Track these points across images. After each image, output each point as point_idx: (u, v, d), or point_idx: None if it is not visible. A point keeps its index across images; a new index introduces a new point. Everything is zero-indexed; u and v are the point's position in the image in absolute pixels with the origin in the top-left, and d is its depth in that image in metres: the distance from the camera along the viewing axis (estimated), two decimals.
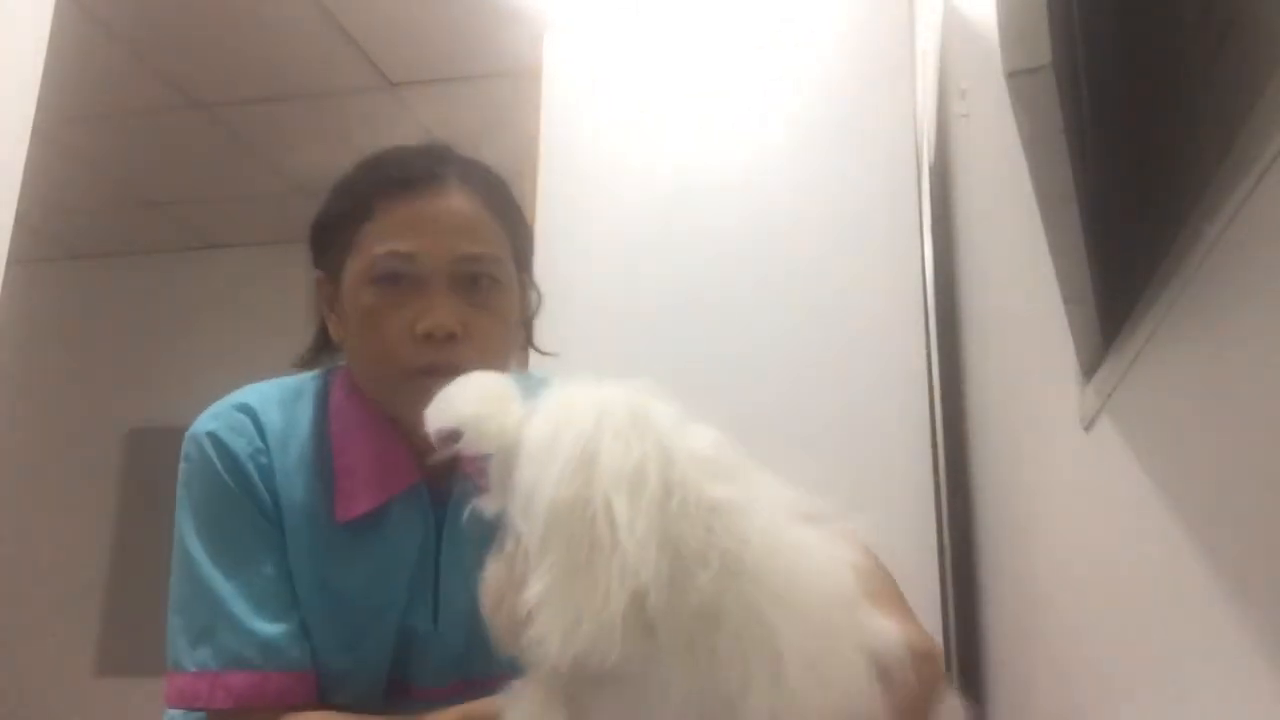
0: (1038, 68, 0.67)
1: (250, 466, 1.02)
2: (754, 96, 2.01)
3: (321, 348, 1.13)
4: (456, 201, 1.05)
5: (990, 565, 1.61)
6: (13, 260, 1.63)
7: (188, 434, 1.05)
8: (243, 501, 1.01)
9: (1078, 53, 0.78)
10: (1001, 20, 0.70)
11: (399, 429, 1.05)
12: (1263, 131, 0.54)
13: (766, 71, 2.02)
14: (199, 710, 0.96)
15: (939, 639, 1.68)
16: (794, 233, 1.91)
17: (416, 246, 1.02)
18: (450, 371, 0.97)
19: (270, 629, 0.97)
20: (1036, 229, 0.86)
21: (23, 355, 3.26)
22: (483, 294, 1.04)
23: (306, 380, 1.11)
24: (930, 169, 1.97)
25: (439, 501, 1.05)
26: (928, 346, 1.83)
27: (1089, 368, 0.91)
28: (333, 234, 1.09)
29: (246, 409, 1.06)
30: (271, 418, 1.05)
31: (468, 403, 0.77)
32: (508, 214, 1.10)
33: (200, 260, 4.51)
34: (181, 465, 1.05)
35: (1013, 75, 0.69)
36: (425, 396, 0.98)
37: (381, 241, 1.03)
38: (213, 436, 1.03)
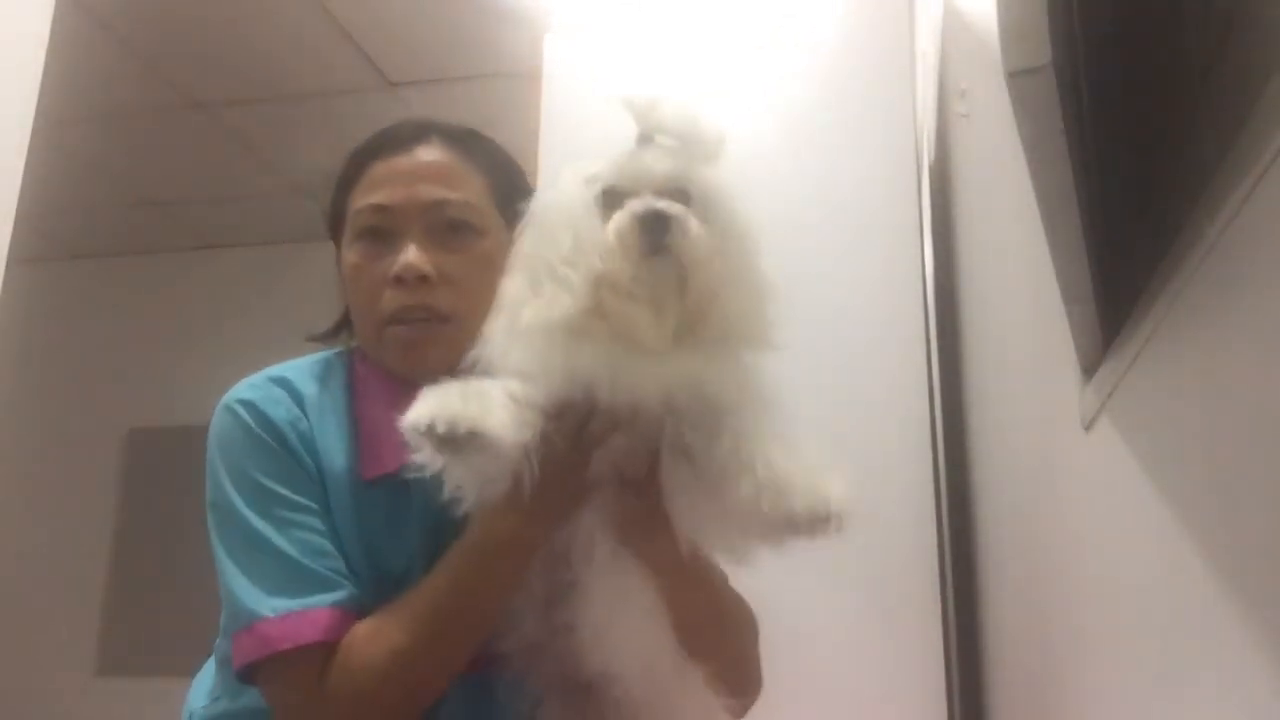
0: (1038, 68, 0.67)
1: (290, 433, 1.03)
2: (754, 96, 2.01)
3: (344, 324, 1.15)
4: (429, 154, 1.08)
5: (990, 565, 1.61)
6: (13, 260, 1.63)
7: (221, 405, 1.05)
8: (287, 461, 1.01)
9: (1078, 53, 0.78)
10: (1001, 20, 0.70)
11: (418, 390, 1.05)
12: (1263, 131, 0.54)
13: (766, 72, 2.02)
14: (289, 650, 0.94)
15: (938, 638, 1.68)
16: (794, 233, 1.91)
17: (389, 198, 1.05)
18: (423, 313, 1.03)
19: (331, 572, 0.98)
20: (1036, 229, 0.86)
21: (23, 355, 3.25)
22: (460, 239, 1.06)
23: (334, 355, 1.13)
24: (930, 169, 1.97)
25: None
26: (928, 346, 1.83)
27: (1089, 368, 0.91)
28: (333, 209, 1.13)
29: (282, 381, 1.07)
30: (308, 388, 1.07)
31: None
32: (491, 166, 1.11)
33: (200, 260, 4.50)
34: (214, 436, 1.05)
35: (1013, 75, 0.69)
36: (403, 341, 1.04)
37: (361, 198, 1.07)
38: (248, 404, 1.04)
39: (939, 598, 1.70)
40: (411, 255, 1.03)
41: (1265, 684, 0.57)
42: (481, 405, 0.85)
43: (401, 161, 1.07)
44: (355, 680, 0.94)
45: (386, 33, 3.14)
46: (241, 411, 1.04)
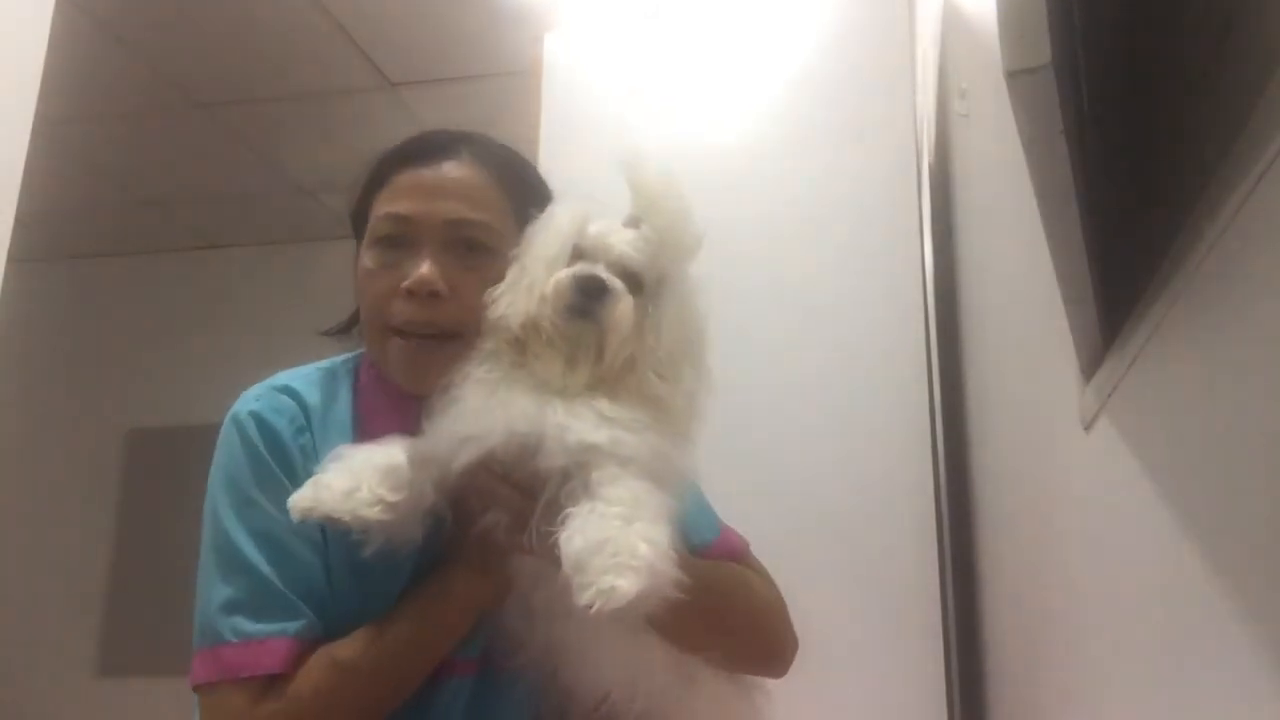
0: (1038, 68, 0.67)
1: (293, 446, 1.03)
2: (754, 96, 2.01)
3: (355, 321, 1.15)
4: (459, 170, 1.08)
5: (990, 565, 1.61)
6: (13, 260, 1.63)
7: (229, 414, 1.05)
8: (283, 481, 1.01)
9: (1078, 53, 0.78)
10: (1001, 20, 0.70)
11: (419, 404, 1.06)
12: (1263, 131, 0.54)
13: (766, 72, 2.02)
14: (238, 679, 0.96)
15: (939, 638, 1.68)
16: (794, 233, 1.91)
17: (410, 209, 1.05)
18: (430, 328, 1.04)
19: (301, 597, 0.99)
20: (1036, 229, 0.86)
21: (23, 355, 3.25)
22: (477, 258, 1.06)
23: (339, 363, 1.13)
24: (930, 169, 1.97)
25: None
26: (928, 346, 1.83)
27: (1089, 368, 0.91)
28: (357, 210, 1.13)
29: (289, 390, 1.06)
30: (313, 398, 1.07)
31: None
32: (518, 189, 1.11)
33: (200, 260, 4.50)
34: (219, 446, 1.05)
35: (1013, 75, 0.69)
36: (407, 354, 1.05)
37: (384, 205, 1.07)
38: (256, 416, 1.04)
39: (939, 597, 1.70)
40: (425, 269, 1.03)
41: (1265, 684, 0.57)
42: (343, 489, 0.93)
43: (428, 174, 1.07)
44: (287, 710, 0.95)
45: (386, 33, 3.14)
46: (249, 425, 1.03)
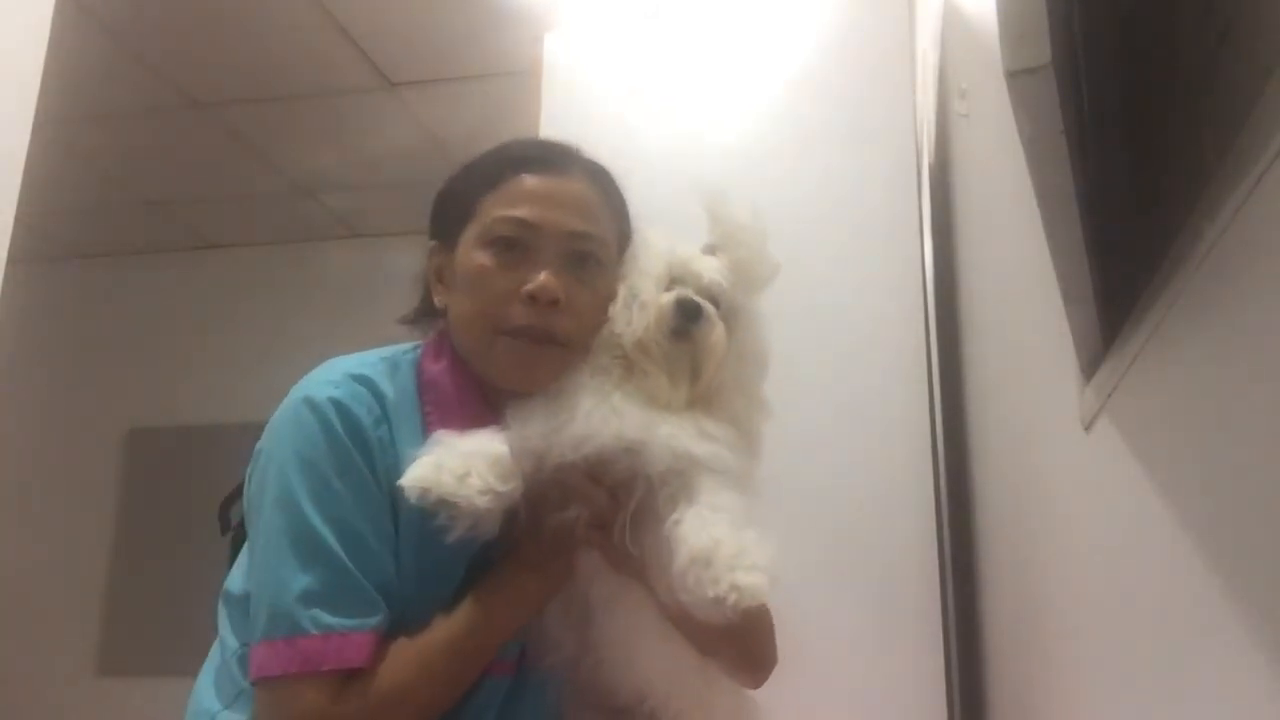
0: (1038, 68, 0.67)
1: (372, 436, 1.03)
2: (754, 96, 2.01)
3: (425, 313, 1.17)
4: (579, 185, 1.12)
5: (990, 565, 1.61)
6: (13, 260, 1.63)
7: (302, 398, 1.04)
8: (362, 470, 1.01)
9: (1078, 53, 0.78)
10: (1001, 20, 0.70)
11: (489, 400, 1.08)
12: (1263, 131, 0.54)
13: (766, 72, 2.02)
14: (321, 671, 0.95)
15: (938, 638, 1.68)
16: (794, 233, 1.91)
17: (537, 216, 1.08)
18: (545, 336, 1.07)
19: (378, 591, 0.99)
20: (1036, 229, 0.86)
21: (23, 355, 3.25)
22: (588, 272, 1.10)
23: (399, 353, 1.13)
24: (930, 169, 1.97)
25: None
26: (928, 346, 1.83)
27: (1089, 368, 0.91)
28: (456, 202, 1.14)
29: (364, 380, 1.06)
30: (387, 389, 1.07)
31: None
32: (620, 210, 1.16)
33: (200, 260, 4.50)
34: (291, 428, 1.03)
35: (1013, 75, 0.69)
36: (518, 355, 1.08)
37: (504, 207, 1.09)
38: (337, 403, 1.03)
39: (939, 597, 1.70)
40: (551, 280, 1.06)
41: (1264, 684, 0.57)
42: (458, 472, 0.97)
43: (553, 183, 1.11)
44: (370, 707, 0.96)
45: (386, 33, 3.14)
46: (327, 409, 1.02)
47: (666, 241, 1.13)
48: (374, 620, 0.98)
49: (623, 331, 1.07)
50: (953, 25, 1.81)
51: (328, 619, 0.96)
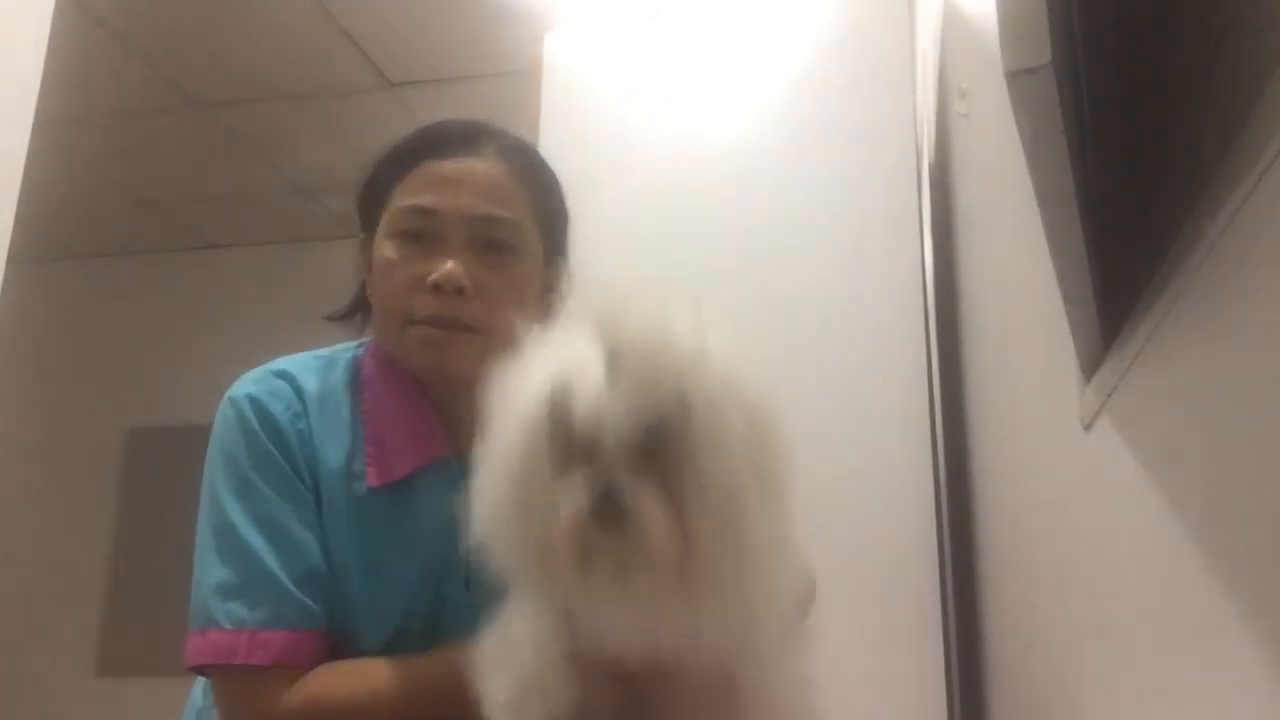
0: (1038, 68, 0.67)
1: (289, 431, 1.03)
2: (754, 96, 2.01)
3: (357, 307, 1.15)
4: (485, 166, 1.07)
5: (990, 565, 1.61)
6: (13, 260, 1.63)
7: (225, 397, 1.05)
8: (280, 464, 1.01)
9: (1078, 53, 0.78)
10: (1001, 20, 0.70)
11: (430, 399, 1.07)
12: (1263, 131, 0.54)
13: (766, 72, 2.02)
14: (234, 665, 0.95)
15: (938, 638, 1.68)
16: (794, 233, 1.91)
17: (437, 203, 1.05)
18: (452, 325, 1.03)
19: (303, 590, 0.98)
20: (1036, 229, 0.86)
21: (23, 355, 3.25)
22: (499, 257, 1.05)
23: (340, 351, 1.13)
24: (930, 169, 1.97)
25: (470, 472, 1.06)
26: (928, 346, 1.83)
27: (1089, 368, 0.91)
28: (372, 191, 1.12)
29: (285, 375, 1.07)
30: (310, 384, 1.07)
31: None
32: (540, 189, 1.11)
33: (200, 260, 4.50)
34: (216, 427, 1.05)
35: (1013, 75, 0.69)
36: (427, 342, 1.04)
37: (409, 196, 1.06)
38: (252, 399, 1.04)
39: (939, 597, 1.70)
40: (451, 266, 1.02)
41: (1265, 685, 0.57)
42: (543, 683, 0.76)
43: (452, 167, 1.06)
44: (294, 709, 0.94)
45: (386, 33, 3.14)
46: (244, 405, 1.04)
47: (551, 375, 0.74)
48: (290, 616, 0.97)
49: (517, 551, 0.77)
50: (953, 25, 1.81)
51: (242, 613, 0.96)
